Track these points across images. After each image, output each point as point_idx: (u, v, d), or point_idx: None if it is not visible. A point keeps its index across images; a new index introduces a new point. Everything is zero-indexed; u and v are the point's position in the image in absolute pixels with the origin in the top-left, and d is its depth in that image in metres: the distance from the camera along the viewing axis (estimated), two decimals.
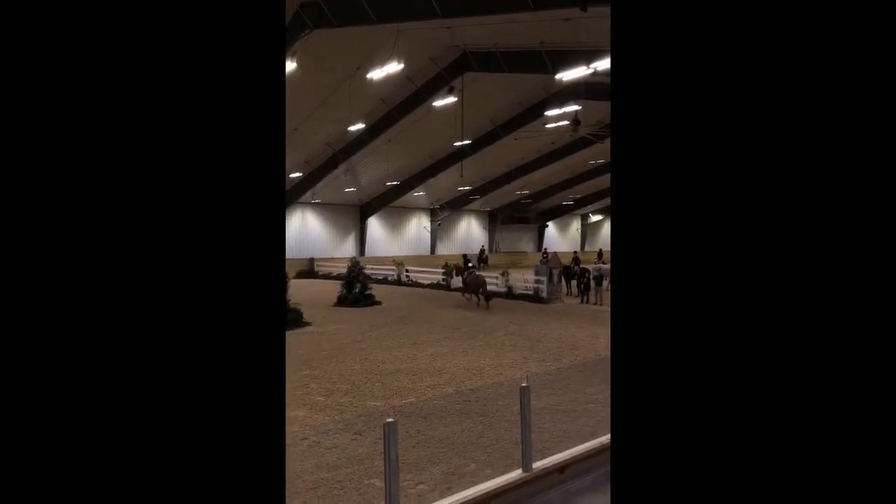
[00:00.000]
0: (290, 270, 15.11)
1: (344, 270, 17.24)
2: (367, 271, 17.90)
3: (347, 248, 28.64)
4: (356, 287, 14.94)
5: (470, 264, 17.59)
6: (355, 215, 30.14)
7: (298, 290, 13.54)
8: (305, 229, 28.74)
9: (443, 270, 19.15)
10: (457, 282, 17.37)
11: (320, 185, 24.36)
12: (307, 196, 25.74)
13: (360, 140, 20.32)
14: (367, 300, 14.72)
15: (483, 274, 16.72)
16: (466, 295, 15.40)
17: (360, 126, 18.01)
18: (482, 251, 29.82)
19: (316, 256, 26.66)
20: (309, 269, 25.72)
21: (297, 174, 23.23)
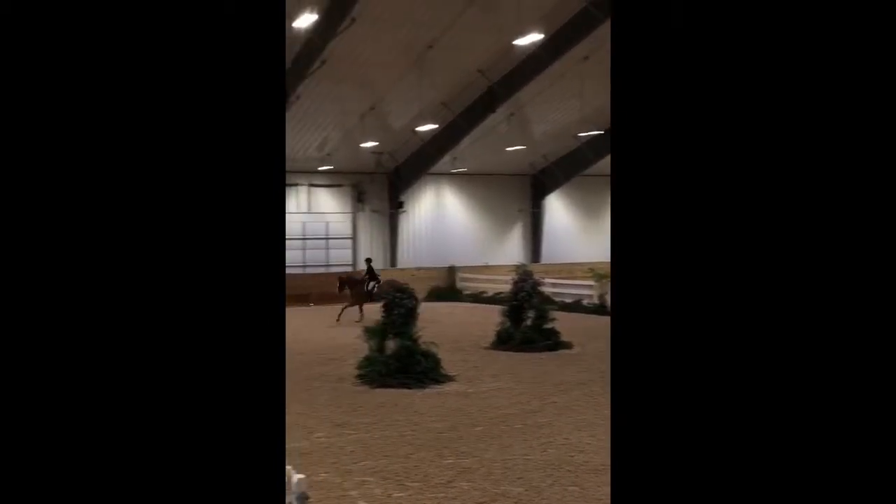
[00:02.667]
0: (420, 287, 15.58)
1: (506, 287, 17.40)
2: (547, 289, 17.76)
3: (511, 250, 28.85)
4: (527, 317, 15.17)
5: (378, 276, 19.91)
6: (524, 192, 30.23)
7: (432, 321, 13.92)
8: (442, 218, 29.58)
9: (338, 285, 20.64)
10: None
11: (466, 142, 24.95)
12: (444, 162, 26.54)
13: (535, 61, 20.34)
14: (546, 339, 14.67)
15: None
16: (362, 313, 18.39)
17: (534, 37, 17.98)
18: None
19: (459, 264, 27.26)
20: (448, 286, 26.34)
21: (430, 126, 24.04)
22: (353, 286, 19.91)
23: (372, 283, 19.44)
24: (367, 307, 18.39)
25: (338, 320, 18.78)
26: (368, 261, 21.04)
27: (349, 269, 28.62)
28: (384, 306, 12.08)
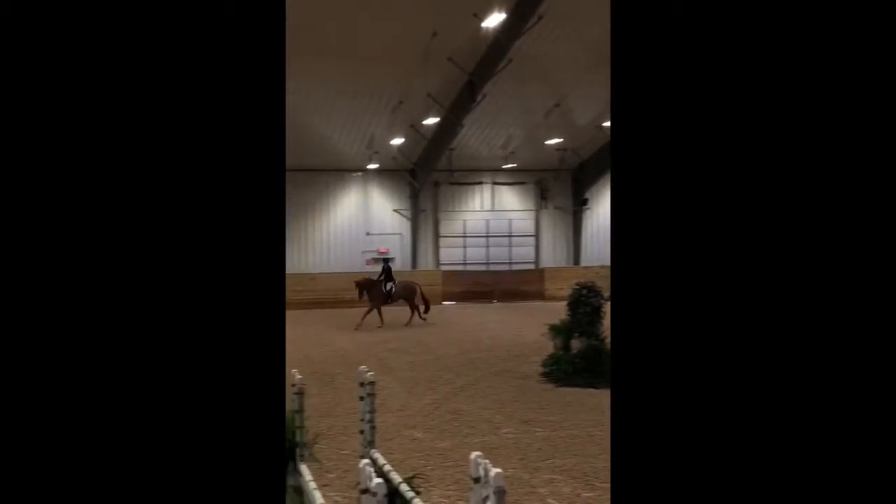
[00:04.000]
0: (604, 286, 15.27)
1: None
2: None
3: None
4: None
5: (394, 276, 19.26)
6: None
7: None
8: None
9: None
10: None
11: None
12: None
13: None
14: None
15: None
16: (372, 316, 18.37)
17: None
18: None
19: None
20: None
21: None
22: (370, 289, 18.82)
23: (389, 285, 18.71)
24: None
25: (358, 327, 18.11)
26: (386, 260, 20.11)
27: (531, 266, 28.63)
28: (569, 304, 11.91)
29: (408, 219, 28.19)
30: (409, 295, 18.93)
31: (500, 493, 2.98)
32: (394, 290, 18.67)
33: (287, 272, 27.30)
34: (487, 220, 29.24)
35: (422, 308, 19.01)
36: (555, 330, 11.79)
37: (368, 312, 18.39)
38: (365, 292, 18.76)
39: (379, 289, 18.77)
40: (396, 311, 18.92)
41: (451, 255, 28.79)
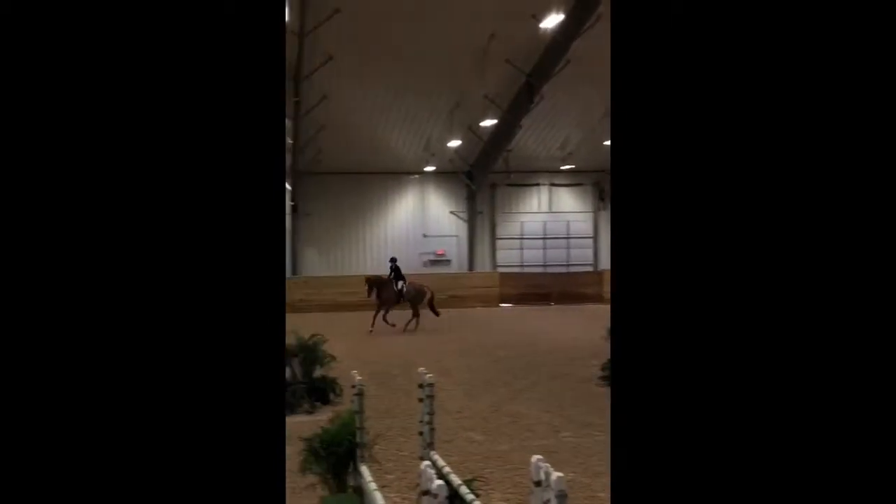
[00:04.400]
0: None
1: None
2: None
3: None
4: None
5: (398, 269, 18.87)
6: None
7: None
8: None
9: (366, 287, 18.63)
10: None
11: None
12: None
13: None
14: None
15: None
16: (389, 321, 17.95)
17: None
18: None
19: None
20: None
21: None
22: (381, 288, 18.19)
23: (400, 284, 18.17)
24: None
25: (404, 330, 17.82)
26: (393, 260, 19.26)
27: (589, 268, 28.36)
28: None
29: (464, 221, 28.20)
30: (417, 298, 18.38)
31: (562, 496, 2.93)
32: (405, 289, 18.29)
33: (342, 275, 27.18)
34: (545, 222, 29.09)
35: (413, 317, 18.40)
36: None
37: (387, 313, 18.11)
38: (375, 290, 18.20)
39: (390, 288, 18.27)
40: (446, 317, 18.87)
41: (508, 256, 28.70)
